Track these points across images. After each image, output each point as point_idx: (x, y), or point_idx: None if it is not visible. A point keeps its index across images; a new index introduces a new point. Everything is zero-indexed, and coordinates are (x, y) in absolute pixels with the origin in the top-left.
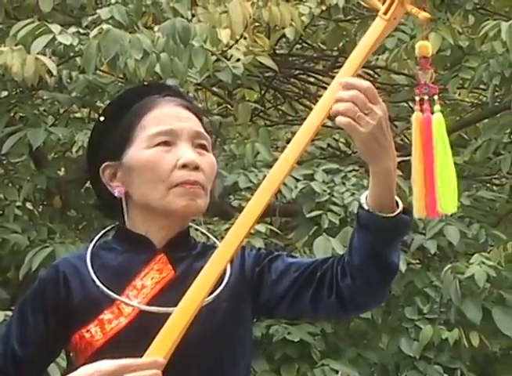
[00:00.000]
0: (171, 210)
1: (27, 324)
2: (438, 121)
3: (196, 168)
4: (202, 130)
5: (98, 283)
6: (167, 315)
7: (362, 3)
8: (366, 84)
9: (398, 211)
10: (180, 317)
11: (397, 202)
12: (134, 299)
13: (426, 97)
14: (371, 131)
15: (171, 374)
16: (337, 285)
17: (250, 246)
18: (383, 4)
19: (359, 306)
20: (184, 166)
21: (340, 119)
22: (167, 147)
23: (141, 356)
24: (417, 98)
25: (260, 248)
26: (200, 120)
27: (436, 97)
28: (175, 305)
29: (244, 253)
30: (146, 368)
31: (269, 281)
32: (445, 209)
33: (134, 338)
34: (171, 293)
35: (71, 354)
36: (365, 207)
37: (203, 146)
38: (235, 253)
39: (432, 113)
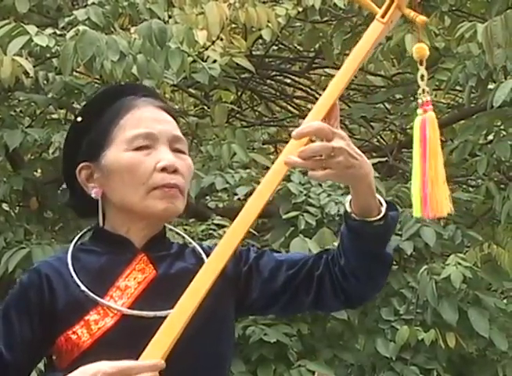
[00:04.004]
0: (150, 213)
1: (12, 329)
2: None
3: (175, 171)
4: (179, 133)
5: (82, 287)
6: (155, 316)
7: (339, 5)
8: (315, 125)
9: (384, 209)
10: (175, 321)
11: (379, 200)
12: (119, 300)
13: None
14: (345, 165)
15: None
16: (342, 287)
17: None
18: (380, 7)
19: (365, 298)
20: (163, 169)
21: (314, 175)
22: (147, 150)
23: (131, 357)
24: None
25: None
26: (176, 121)
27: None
28: (160, 305)
29: None
30: (147, 371)
31: (260, 279)
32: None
33: (121, 339)
34: (154, 292)
35: (53, 357)
36: (356, 217)
37: (180, 150)
38: (232, 255)
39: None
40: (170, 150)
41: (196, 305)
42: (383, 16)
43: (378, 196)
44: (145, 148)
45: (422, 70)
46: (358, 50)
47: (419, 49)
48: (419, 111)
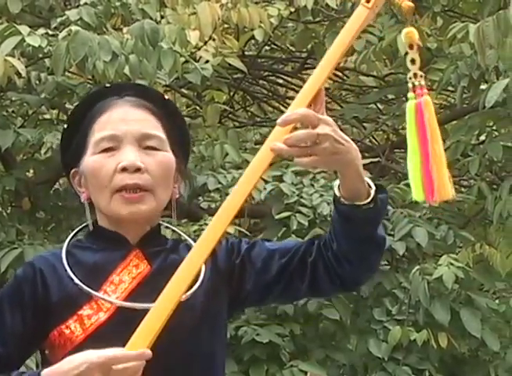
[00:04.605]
0: (118, 217)
1: (4, 323)
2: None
3: (138, 170)
4: (151, 130)
5: (76, 280)
6: (147, 309)
7: (331, 5)
8: (300, 112)
9: (373, 192)
10: (160, 310)
11: (367, 183)
12: (112, 294)
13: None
14: (331, 152)
15: (150, 367)
16: (336, 272)
17: None
18: None
19: (361, 280)
20: (124, 169)
21: (300, 162)
22: (111, 152)
23: None
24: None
25: (227, 239)
26: (162, 118)
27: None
28: (153, 300)
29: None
30: (134, 360)
31: (253, 271)
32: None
33: (114, 333)
34: (148, 287)
35: (46, 351)
36: (345, 202)
37: (152, 147)
38: (213, 249)
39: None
40: (139, 149)
41: (182, 293)
42: (368, 1)
43: (367, 179)
44: (109, 150)
45: (412, 54)
46: (342, 35)
47: (408, 34)
48: (410, 95)
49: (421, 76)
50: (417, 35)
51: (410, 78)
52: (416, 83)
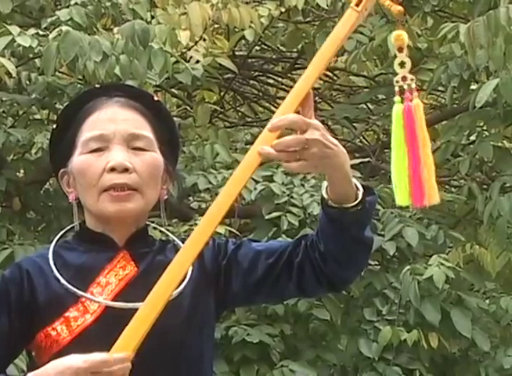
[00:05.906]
0: (105, 215)
1: None
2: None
3: (126, 170)
4: (139, 130)
5: (62, 281)
6: (134, 310)
7: (322, 5)
8: (289, 118)
9: (360, 194)
10: (148, 311)
11: (355, 184)
12: (99, 296)
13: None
14: (319, 156)
15: (137, 368)
16: (323, 272)
17: None
18: None
19: (348, 281)
20: (113, 169)
21: (288, 166)
22: (100, 152)
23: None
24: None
25: (214, 240)
26: (151, 119)
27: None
28: (141, 301)
29: None
30: (118, 363)
31: (241, 270)
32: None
33: (100, 335)
34: (135, 289)
35: (33, 353)
36: (333, 204)
37: (140, 147)
38: (203, 247)
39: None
40: (127, 149)
41: (167, 298)
42: (357, 5)
43: (355, 181)
44: (98, 150)
45: (402, 57)
46: (331, 39)
47: (399, 36)
48: (397, 99)
49: (412, 79)
50: (407, 38)
51: (397, 82)
52: (405, 86)
